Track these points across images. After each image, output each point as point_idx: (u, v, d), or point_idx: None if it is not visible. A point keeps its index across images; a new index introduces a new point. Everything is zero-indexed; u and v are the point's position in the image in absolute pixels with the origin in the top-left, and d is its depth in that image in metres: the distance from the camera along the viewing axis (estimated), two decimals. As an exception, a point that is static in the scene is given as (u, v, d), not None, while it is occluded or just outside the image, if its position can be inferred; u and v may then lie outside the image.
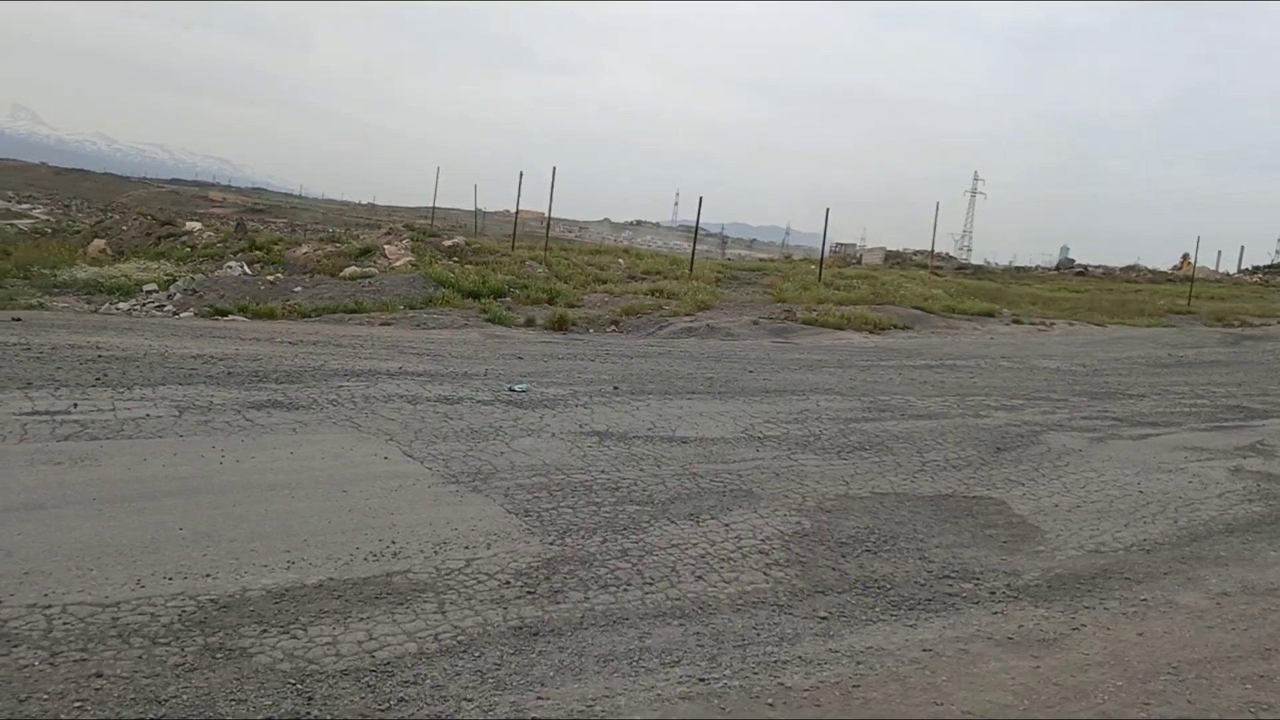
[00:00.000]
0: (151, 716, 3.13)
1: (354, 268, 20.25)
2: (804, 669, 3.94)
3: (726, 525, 5.72)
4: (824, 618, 4.50)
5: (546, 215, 32.92)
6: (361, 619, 4.02)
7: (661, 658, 3.93)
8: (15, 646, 3.46)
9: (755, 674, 3.85)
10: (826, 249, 35.07)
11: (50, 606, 3.81)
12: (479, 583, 4.53)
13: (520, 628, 4.09)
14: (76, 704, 3.15)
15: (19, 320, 11.75)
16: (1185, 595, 5.20)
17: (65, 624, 3.68)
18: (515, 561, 4.83)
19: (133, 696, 3.23)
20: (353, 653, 3.73)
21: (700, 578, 4.86)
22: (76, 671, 3.35)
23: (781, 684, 3.79)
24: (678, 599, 4.57)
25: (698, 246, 30.27)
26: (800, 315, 19.73)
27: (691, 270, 26.67)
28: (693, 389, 10.43)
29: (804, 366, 13.23)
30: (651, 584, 4.72)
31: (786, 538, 5.59)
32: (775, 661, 3.98)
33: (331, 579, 4.40)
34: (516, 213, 32.40)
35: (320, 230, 35.81)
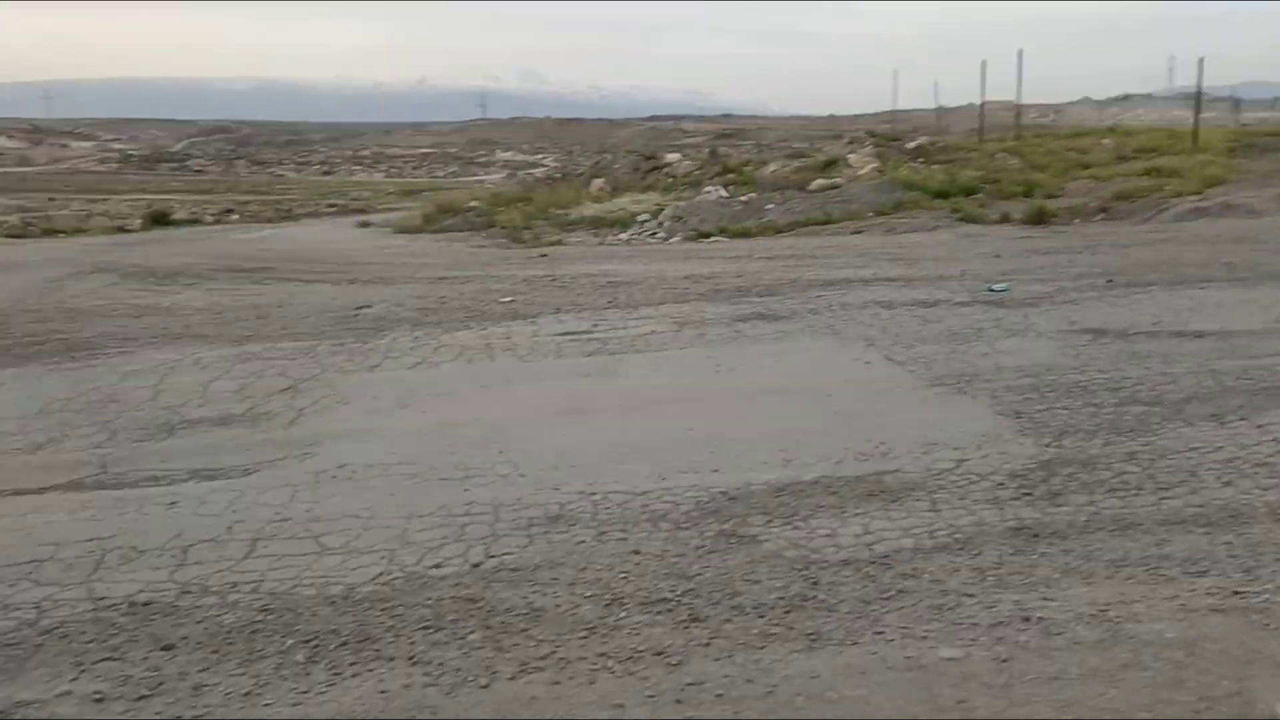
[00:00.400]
0: (682, 590, 3.60)
1: (820, 180, 20.54)
2: (1365, 587, 3.41)
3: (1260, 427, 5.06)
4: (1393, 532, 3.84)
5: (1015, 102, 30.55)
6: (857, 514, 4.22)
7: (1184, 566, 3.64)
8: (572, 525, 4.16)
9: (1302, 589, 3.42)
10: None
11: (595, 494, 4.50)
12: (971, 483, 4.51)
13: (1019, 529, 4.02)
14: (622, 575, 3.72)
15: (545, 255, 13.67)
16: None
17: (607, 508, 4.34)
18: (1008, 463, 4.73)
19: (665, 571, 3.73)
20: (851, 544, 3.94)
21: (1228, 484, 4.38)
22: (619, 548, 3.95)
23: (1336, 603, 3.32)
24: (1200, 506, 4.17)
25: (1203, 114, 26.21)
26: (1350, 181, 16.37)
27: (1196, 142, 23.23)
28: (1206, 277, 9.22)
29: (1357, 242, 11.04)
30: (1167, 489, 4.36)
31: (1339, 441, 4.81)
32: (1328, 577, 3.50)
33: (825, 476, 4.65)
34: (982, 104, 30.46)
35: (785, 147, 36.70)
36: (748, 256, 12.54)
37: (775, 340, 7.51)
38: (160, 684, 2.96)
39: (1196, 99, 26.64)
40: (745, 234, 16.12)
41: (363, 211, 33.20)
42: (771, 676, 3.02)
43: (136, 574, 3.68)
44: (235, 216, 31.38)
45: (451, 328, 8.23)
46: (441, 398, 6.18)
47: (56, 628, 3.30)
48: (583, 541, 4.02)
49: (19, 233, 25.00)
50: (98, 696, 2.90)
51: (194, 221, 29.15)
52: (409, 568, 3.75)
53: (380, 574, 3.69)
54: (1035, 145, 24.73)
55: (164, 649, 3.15)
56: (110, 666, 3.05)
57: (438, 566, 3.76)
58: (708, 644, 3.20)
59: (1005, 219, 15.66)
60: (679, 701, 2.89)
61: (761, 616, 3.38)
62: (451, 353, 7.35)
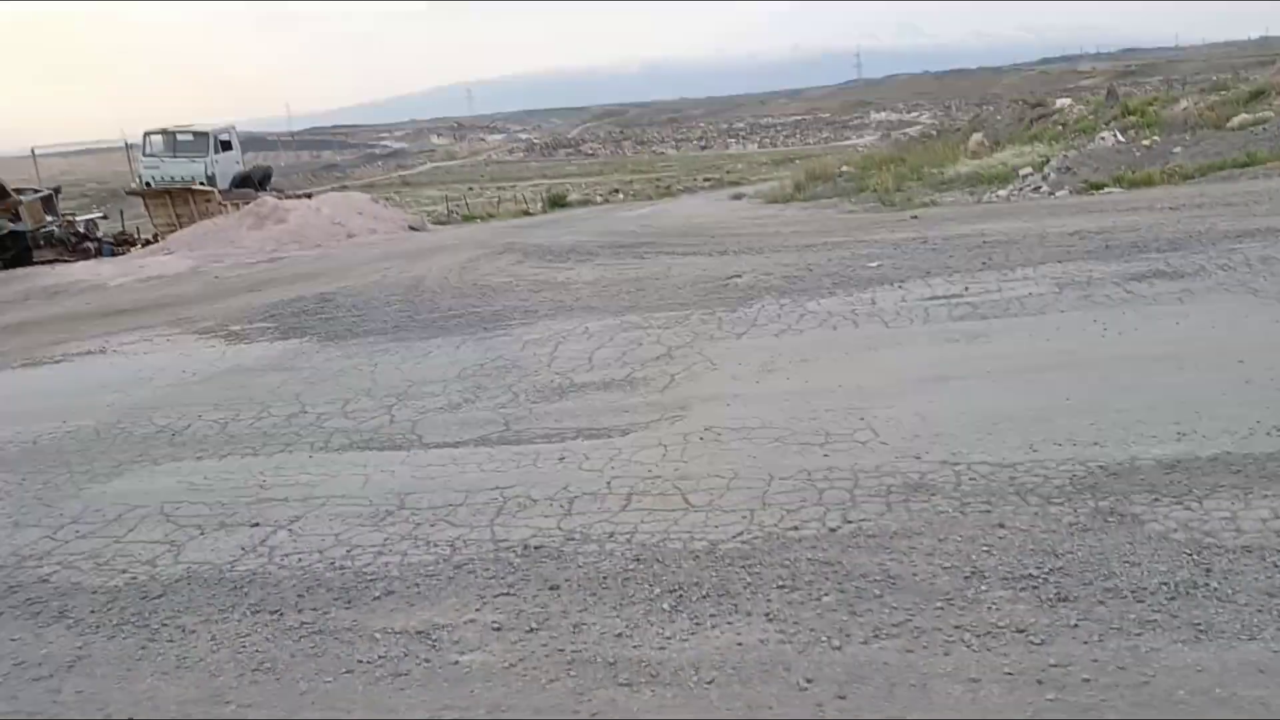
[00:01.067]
0: (1049, 567, 3.42)
1: (1243, 115, 17.90)
2: None
3: None
4: None
5: None
6: (1265, 496, 3.74)
7: None
8: (933, 495, 4.08)
9: None
10: None
11: (958, 464, 4.37)
12: None
13: None
14: (984, 548, 3.60)
15: (915, 218, 13.27)
16: None
17: (970, 479, 4.20)
18: None
19: (1031, 547, 3.56)
20: (1255, 529, 3.50)
21: None
22: (982, 520, 3.81)
23: None
24: None
25: None
26: None
27: None
28: None
29: None
30: None
31: None
32: None
33: (1228, 453, 4.15)
34: None
35: (1201, 81, 32.35)
36: (1147, 208, 11.30)
37: (1176, 301, 6.75)
38: (546, 619, 3.36)
39: None
40: (1145, 182, 14.53)
41: (736, 184, 34.22)
42: (1148, 666, 2.80)
43: (530, 520, 4.18)
44: (621, 195, 33.71)
45: (817, 294, 8.29)
46: (805, 364, 6.28)
47: (466, 564, 3.84)
48: (943, 512, 3.93)
49: (444, 220, 28.72)
50: (496, 626, 3.35)
51: (586, 202, 31.73)
52: (768, 528, 3.90)
53: (741, 533, 3.88)
54: None
55: (550, 589, 3.56)
56: (506, 601, 3.51)
57: (796, 529, 3.87)
58: (1075, 625, 3.03)
59: None
60: (1040, 682, 2.78)
61: (1140, 601, 3.13)
62: (816, 319, 7.42)
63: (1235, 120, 17.55)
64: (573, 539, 3.96)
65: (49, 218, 24.26)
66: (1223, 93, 21.22)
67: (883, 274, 8.87)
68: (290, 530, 4.34)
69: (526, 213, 32.34)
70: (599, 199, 32.66)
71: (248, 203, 25.35)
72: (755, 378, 6.08)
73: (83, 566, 4.17)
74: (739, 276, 9.63)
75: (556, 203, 33.03)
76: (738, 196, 26.40)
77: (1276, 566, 3.25)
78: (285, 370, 7.61)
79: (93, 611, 3.73)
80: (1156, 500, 3.83)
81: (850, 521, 3.90)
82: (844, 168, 25.27)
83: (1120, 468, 4.15)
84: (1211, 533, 3.53)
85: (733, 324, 7.56)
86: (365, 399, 6.49)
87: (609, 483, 4.52)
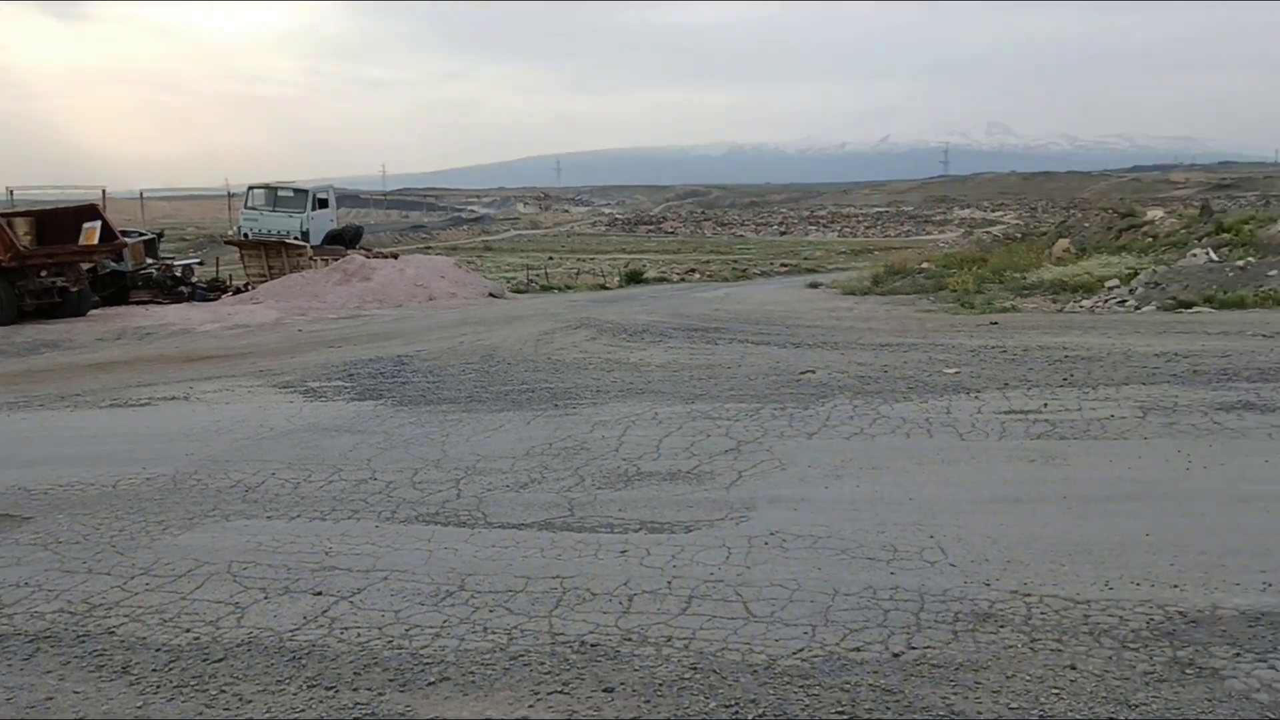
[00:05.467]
0: (1122, 718, 3.28)
1: (1345, 241, 17.43)
2: None
3: None
4: None
5: None
6: (1357, 662, 3.55)
7: None
8: (1002, 628, 3.96)
9: None
10: None
11: (1029, 595, 4.24)
12: None
13: None
14: (1054, 690, 3.47)
15: (995, 324, 13.12)
16: None
17: (1042, 613, 4.07)
18: None
19: (1104, 695, 3.42)
20: (1346, 699, 3.32)
21: None
22: (1053, 660, 3.68)
23: None
24: None
25: None
26: None
27: None
28: None
29: None
30: None
31: None
32: None
33: (1318, 609, 3.97)
34: None
35: (1300, 200, 31.64)
36: (1238, 333, 11.01)
37: (1266, 437, 6.53)
38: (599, 723, 3.32)
39: None
40: (1238, 304, 14.18)
41: (813, 271, 34.27)
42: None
43: (589, 615, 4.16)
44: (697, 275, 33.99)
45: (891, 398, 8.21)
46: (875, 471, 6.20)
47: (521, 655, 3.83)
48: (1012, 646, 3.81)
49: (523, 288, 29.20)
50: (549, 724, 3.33)
51: (662, 279, 32.05)
52: (829, 646, 3.82)
53: (801, 649, 3.80)
54: None
55: (605, 691, 3.53)
56: (560, 700, 3.48)
57: (858, 650, 3.79)
58: (1147, 787, 2.89)
59: None
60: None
61: (1218, 767, 2.98)
62: (889, 425, 7.34)
63: (1335, 246, 17.08)
64: (630, 639, 3.93)
65: (149, 260, 25.36)
66: (1322, 216, 20.69)
67: (959, 382, 8.76)
68: (352, 602, 4.38)
69: (604, 286, 32.78)
70: (676, 277, 32.96)
71: (337, 259, 26.18)
72: (824, 482, 6.02)
73: (149, 621, 4.26)
74: (812, 372, 9.60)
75: (633, 278, 33.42)
76: (814, 285, 26.42)
77: (1368, 743, 3.07)
78: (359, 433, 7.77)
79: (154, 670, 3.80)
80: (1238, 655, 3.66)
81: (914, 648, 3.80)
82: (924, 264, 25.18)
83: (1201, 615, 3.99)
84: (1298, 697, 3.36)
85: (804, 421, 7.52)
86: (434, 470, 6.57)
87: (670, 582, 4.49)
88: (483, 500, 5.88)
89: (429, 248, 59.11)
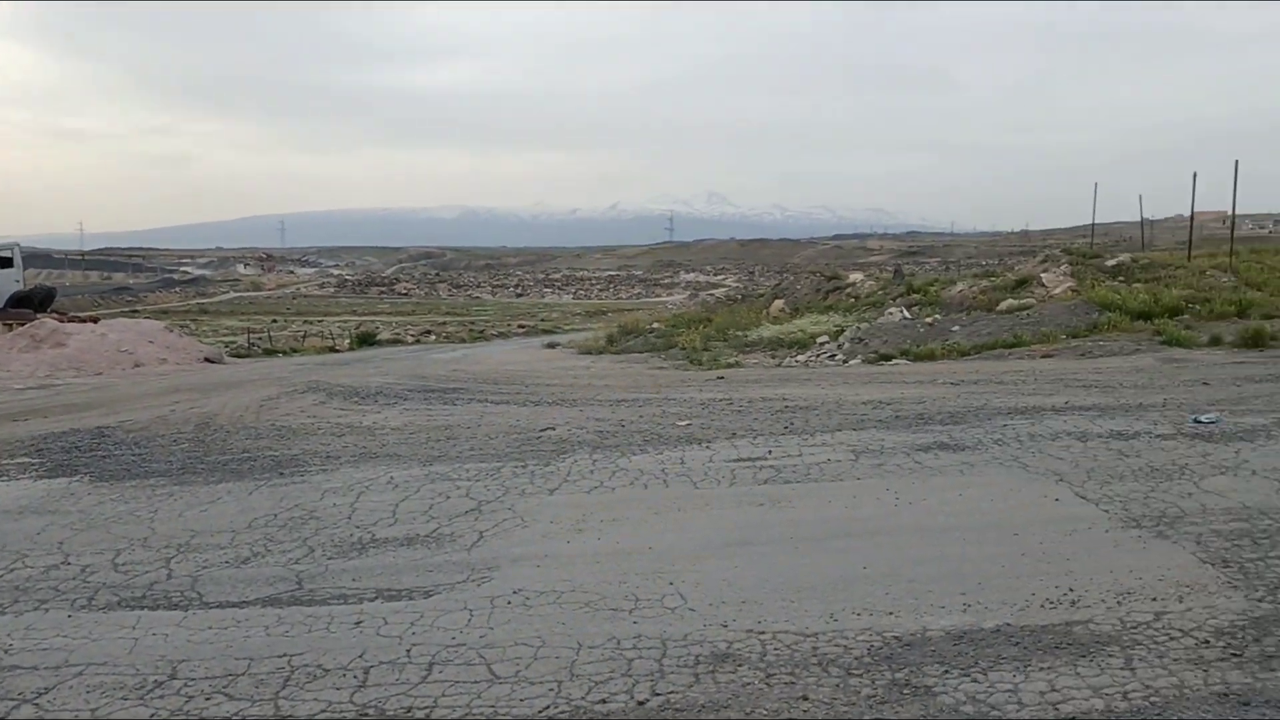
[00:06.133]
0: (851, 741, 3.46)
1: (1010, 300, 19.93)
2: None
3: None
4: None
5: (1230, 214, 28.82)
6: (1042, 668, 3.96)
7: None
8: (740, 666, 4.09)
9: None
10: None
11: (764, 633, 4.42)
12: (1171, 639, 4.15)
13: (1225, 694, 3.66)
14: (789, 721, 3.61)
15: (721, 378, 13.80)
16: None
17: (776, 649, 4.25)
18: (1214, 618, 4.33)
19: (834, 720, 3.60)
20: (1035, 703, 3.68)
21: None
22: (787, 692, 3.84)
23: None
24: None
25: None
26: None
27: None
28: None
29: None
30: (1404, 658, 3.87)
31: None
32: None
33: (1008, 624, 4.40)
34: (1191, 217, 28.91)
35: (973, 265, 35.85)
36: (930, 381, 12.23)
37: (958, 473, 7.24)
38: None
39: None
40: (929, 357, 15.77)
41: (550, 331, 34.69)
42: None
43: (321, 693, 3.88)
44: (433, 337, 33.42)
45: (629, 451, 8.39)
46: (616, 523, 6.28)
47: (247, 743, 3.50)
48: (749, 683, 3.93)
49: (244, 352, 27.44)
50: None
51: (396, 341, 31.22)
52: (575, 700, 3.77)
53: (547, 706, 3.73)
54: (1251, 261, 23.23)
55: (341, 771, 3.29)
56: (291, 786, 3.21)
57: (603, 701, 3.77)
58: (875, 805, 3.05)
59: (1215, 341, 14.67)
60: None
61: (935, 778, 3.19)
62: (628, 477, 7.47)
63: (1003, 305, 19.49)
64: (367, 713, 3.69)
65: None
66: (992, 279, 23.57)
67: (691, 433, 9.10)
68: (36, 705, 3.84)
69: (333, 349, 31.49)
70: (411, 339, 32.23)
71: (23, 323, 23.53)
72: (566, 537, 6.01)
73: None
74: (552, 429, 9.64)
75: (366, 340, 32.36)
76: (552, 345, 26.71)
77: (1055, 740, 3.41)
78: (48, 514, 6.92)
79: None
80: (947, 672, 3.97)
81: (659, 694, 3.83)
82: (655, 324, 26.17)
83: (913, 638, 4.31)
84: (996, 705, 3.68)
85: (545, 478, 7.51)
86: (140, 549, 5.95)
87: (409, 650, 4.28)
88: (198, 579, 5.38)
89: (135, 311, 54.42)
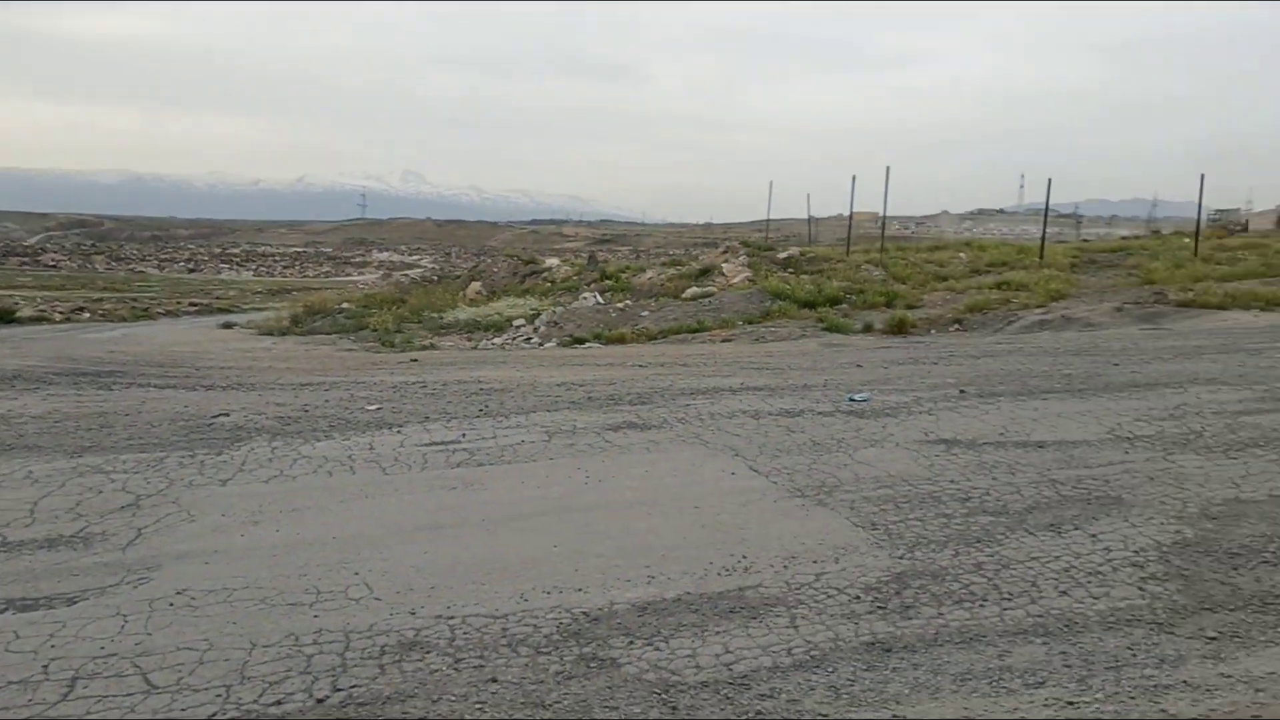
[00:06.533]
0: (537, 719, 3.48)
1: (694, 288, 21.07)
2: (1190, 695, 3.57)
3: (1093, 536, 5.31)
4: (1213, 638, 4.05)
5: (881, 215, 32.27)
6: (718, 632, 4.20)
7: (1024, 678, 3.74)
8: (428, 653, 4.00)
9: (1132, 699, 3.55)
10: (1203, 219, 31.29)
11: (453, 618, 4.35)
12: (829, 597, 4.56)
13: (872, 643, 4.07)
14: (477, 705, 3.57)
15: (415, 360, 13.47)
16: None
17: (465, 633, 4.19)
18: (864, 576, 4.81)
19: (522, 700, 3.61)
20: (711, 665, 3.90)
21: (1064, 593, 4.56)
22: (476, 676, 3.80)
23: (1164, 711, 3.46)
24: (1040, 616, 4.32)
25: (1049, 230, 28.25)
26: (1173, 297, 17.79)
27: (1042, 257, 24.91)
28: (1048, 388, 9.76)
29: (1179, 355, 11.90)
30: (1010, 599, 4.50)
31: (1164, 548, 5.09)
32: (1155, 686, 3.65)
33: (689, 593, 4.63)
34: (850, 217, 32.04)
35: (662, 254, 37.57)
36: (621, 364, 12.65)
37: (645, 450, 7.52)
38: None
39: (1044, 216, 28.69)
40: (619, 340, 16.31)
41: (227, 310, 32.26)
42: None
43: (-69, 724, 3.34)
44: (87, 315, 29.97)
45: (313, 437, 7.95)
46: (296, 513, 5.92)
47: None
48: (438, 670, 3.86)
49: None
50: None
51: (41, 319, 27.69)
52: (246, 705, 3.51)
53: (214, 714, 3.44)
54: (898, 257, 26.08)
55: (-45, 812, 2.84)
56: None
57: (279, 703, 3.54)
58: (561, 780, 3.08)
59: (868, 329, 16.32)
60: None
61: (618, 747, 3.29)
62: (311, 465, 7.08)
63: (688, 292, 20.57)
64: (-10, 743, 3.22)
65: None
66: (679, 268, 24.81)
67: (382, 417, 8.80)
68: None
69: (-40, 328, 27.30)
70: (59, 316, 28.67)
71: None
72: (240, 530, 5.58)
73: None
74: (226, 415, 8.94)
75: (2, 318, 28.37)
76: (229, 325, 24.81)
77: (727, 699, 3.63)
78: None
79: None
80: (632, 643, 4.11)
81: (340, 689, 3.65)
82: (344, 304, 25.09)
83: (601, 612, 4.42)
84: (676, 671, 3.86)
85: (217, 468, 6.94)
86: None
87: (46, 666, 3.78)
88: None
89: None
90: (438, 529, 5.62)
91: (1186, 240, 28.94)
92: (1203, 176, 28.25)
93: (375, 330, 18.78)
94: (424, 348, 16.19)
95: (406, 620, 4.30)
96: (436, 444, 7.71)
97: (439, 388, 10.51)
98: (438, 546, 5.30)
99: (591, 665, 3.91)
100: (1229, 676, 3.71)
